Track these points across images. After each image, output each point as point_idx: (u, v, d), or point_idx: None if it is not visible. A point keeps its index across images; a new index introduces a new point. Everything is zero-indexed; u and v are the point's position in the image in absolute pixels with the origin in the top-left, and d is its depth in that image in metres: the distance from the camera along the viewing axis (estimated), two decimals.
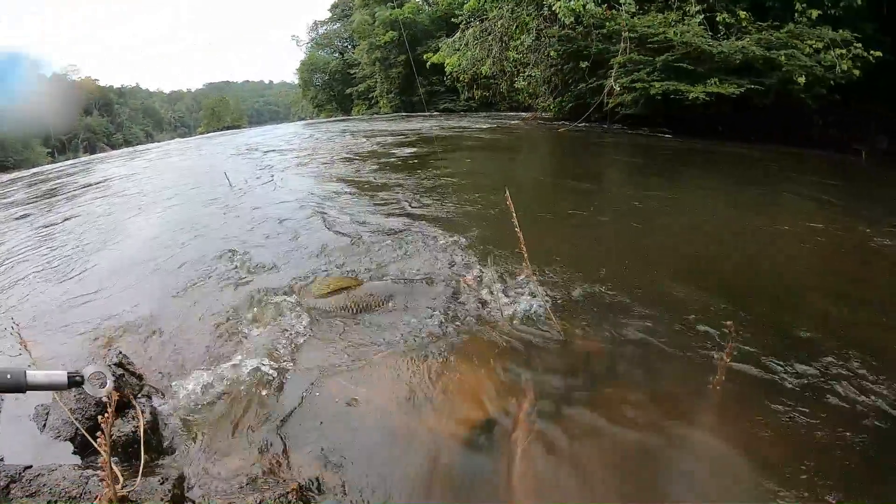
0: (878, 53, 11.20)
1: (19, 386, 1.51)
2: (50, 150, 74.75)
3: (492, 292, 3.48)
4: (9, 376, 1.51)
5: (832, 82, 11.34)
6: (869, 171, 9.13)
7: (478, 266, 3.93)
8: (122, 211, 7.69)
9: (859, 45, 11.37)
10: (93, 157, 33.17)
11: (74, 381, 1.57)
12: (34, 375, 1.53)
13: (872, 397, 2.26)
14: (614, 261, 4.03)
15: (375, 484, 1.99)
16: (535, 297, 3.31)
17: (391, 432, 2.27)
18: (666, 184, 7.11)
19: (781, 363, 2.52)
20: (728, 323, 2.21)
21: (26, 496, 1.69)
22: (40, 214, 8.29)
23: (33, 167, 29.67)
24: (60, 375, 1.56)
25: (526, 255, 2.98)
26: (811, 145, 11.67)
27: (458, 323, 3.14)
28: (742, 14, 12.62)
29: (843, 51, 11.30)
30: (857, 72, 11.21)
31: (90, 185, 12.15)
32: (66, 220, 7.53)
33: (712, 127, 12.99)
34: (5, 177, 19.43)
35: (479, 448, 2.17)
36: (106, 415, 1.53)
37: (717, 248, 4.36)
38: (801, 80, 11.03)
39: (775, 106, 11.97)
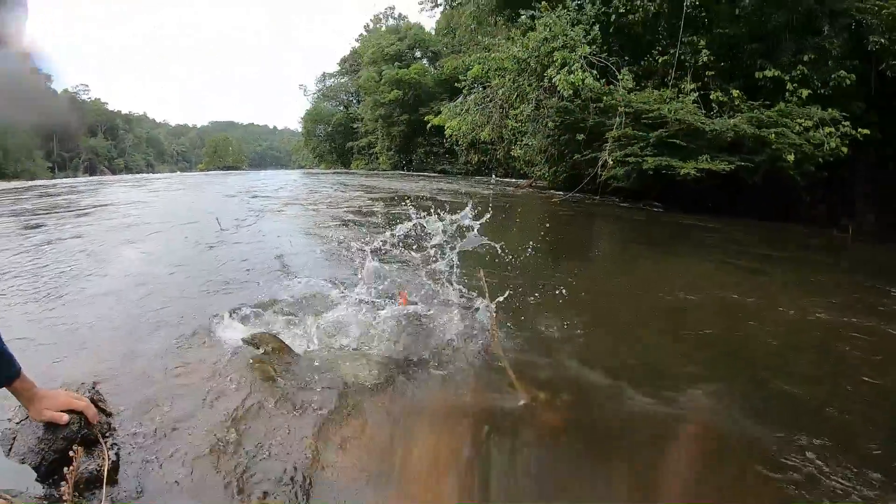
0: (867, 131, 11.62)
1: None
2: (51, 165, 75.10)
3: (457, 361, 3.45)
4: None
5: (820, 160, 11.70)
6: (853, 248, 9.25)
7: (445, 331, 3.90)
8: (113, 239, 7.63)
9: (847, 123, 11.80)
10: (91, 178, 33.28)
11: None
12: None
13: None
14: (590, 330, 4.00)
15: None
16: (501, 365, 3.28)
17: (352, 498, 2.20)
18: (653, 257, 7.15)
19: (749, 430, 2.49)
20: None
21: None
22: (32, 230, 8.23)
23: (32, 179, 29.68)
24: None
25: (495, 333, 2.96)
26: (799, 221, 11.90)
27: (417, 391, 3.10)
28: (735, 93, 13.08)
29: (832, 129, 11.73)
30: (844, 149, 11.64)
31: (89, 207, 12.11)
32: (59, 239, 7.45)
33: (702, 202, 13.16)
34: (4, 185, 19.37)
35: None
36: (72, 467, 1.70)
37: (699, 323, 4.34)
38: (791, 157, 11.38)
39: (764, 182, 12.25)
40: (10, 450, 2.23)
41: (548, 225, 11.70)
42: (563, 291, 4.75)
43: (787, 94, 12.32)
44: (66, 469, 1.60)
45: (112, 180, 25.60)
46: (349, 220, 9.21)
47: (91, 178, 35.05)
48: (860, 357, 3.68)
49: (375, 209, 11.06)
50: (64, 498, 1.58)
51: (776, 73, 12.47)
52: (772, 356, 3.66)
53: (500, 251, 4.03)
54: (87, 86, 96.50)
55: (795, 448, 2.41)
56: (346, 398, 2.91)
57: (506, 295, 4.23)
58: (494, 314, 3.23)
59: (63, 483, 1.61)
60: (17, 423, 2.33)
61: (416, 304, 4.39)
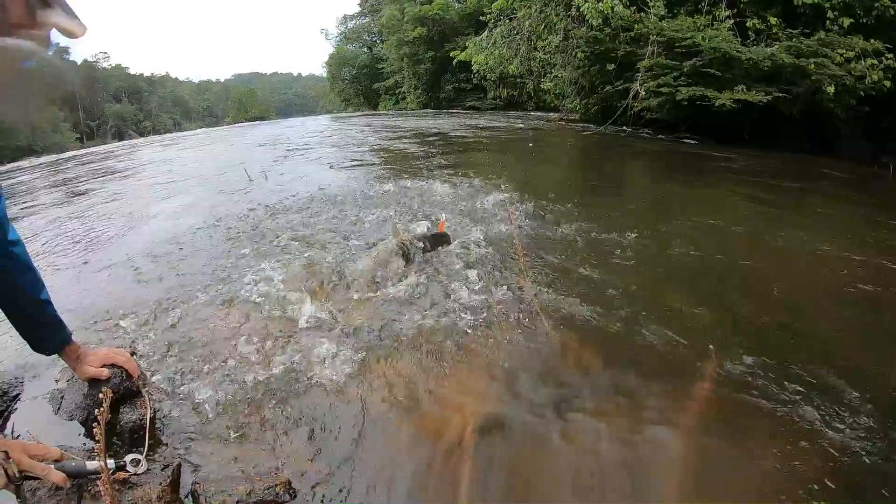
0: None
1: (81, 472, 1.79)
2: (79, 135, 76.02)
3: (487, 296, 3.50)
4: (73, 463, 1.81)
5: (862, 93, 11.12)
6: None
7: (475, 268, 3.96)
8: (149, 198, 7.85)
9: (891, 55, 11.16)
10: (123, 142, 33.56)
11: (119, 466, 1.83)
12: (93, 463, 1.79)
13: (860, 434, 2.23)
14: (619, 271, 4.01)
15: (360, 480, 2.05)
16: (530, 304, 3.33)
17: (380, 430, 2.32)
18: (685, 191, 7.07)
19: (772, 389, 2.50)
20: (711, 348, 2.18)
21: None
22: (68, 199, 8.46)
23: (62, 151, 30.03)
24: (110, 462, 1.78)
25: (522, 266, 2.99)
26: (839, 155, 11.49)
27: (452, 326, 3.17)
28: (773, 20, 12.42)
29: (874, 61, 11.10)
30: (887, 83, 10.99)
31: (126, 169, 12.47)
32: (102, 203, 7.71)
33: (738, 134, 12.81)
34: (35, 161, 19.70)
35: (469, 450, 2.19)
36: (101, 409, 1.71)
37: (727, 260, 4.31)
38: (831, 89, 10.84)
39: (803, 115, 11.81)
40: (59, 408, 2.43)
41: (578, 160, 11.63)
42: (592, 232, 4.80)
43: (827, 22, 11.65)
44: (96, 411, 1.72)
45: (144, 142, 25.80)
46: (376, 164, 9.32)
47: (123, 142, 35.33)
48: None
49: (408, 151, 11.10)
50: (96, 439, 1.67)
51: (816, 0, 11.84)
52: (802, 301, 3.64)
53: (528, 193, 4.01)
54: (106, 53, 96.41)
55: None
56: (376, 339, 3.06)
57: (535, 235, 4.28)
58: (522, 251, 3.25)
59: (95, 425, 1.71)
60: (66, 383, 2.53)
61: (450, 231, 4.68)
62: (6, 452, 1.66)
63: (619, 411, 2.41)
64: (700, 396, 2.46)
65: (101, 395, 1.93)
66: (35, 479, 1.72)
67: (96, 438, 1.68)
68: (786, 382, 2.52)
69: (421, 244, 4.27)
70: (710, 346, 2.85)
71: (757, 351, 2.80)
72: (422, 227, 5.01)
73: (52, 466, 1.74)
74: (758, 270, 4.14)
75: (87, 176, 11.86)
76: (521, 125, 19.55)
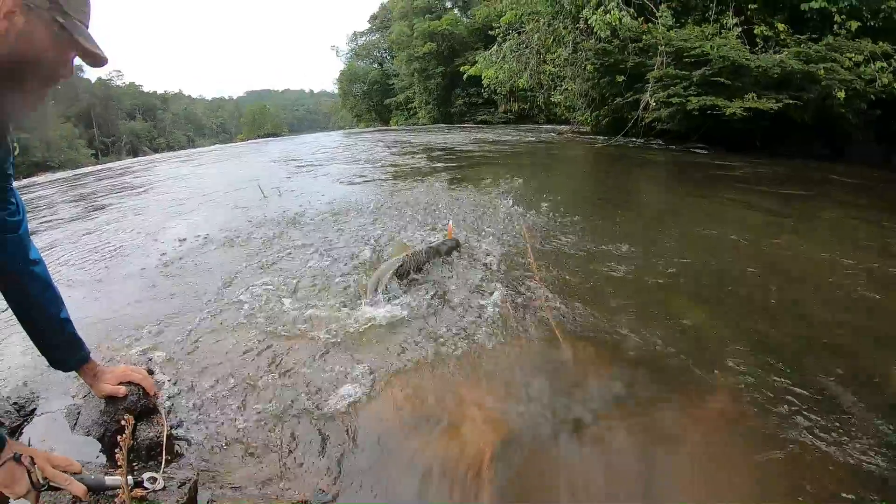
0: None
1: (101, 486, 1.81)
2: (94, 151, 77.03)
3: (500, 306, 3.52)
4: (92, 476, 1.82)
5: (872, 97, 11.02)
6: None
7: (492, 281, 3.98)
8: (165, 214, 7.95)
9: None
10: (140, 158, 34.00)
11: (137, 482, 1.84)
12: (112, 479, 1.82)
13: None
14: (638, 282, 4.00)
15: (379, 498, 2.06)
16: (544, 316, 3.34)
17: (398, 447, 2.32)
18: (696, 202, 7.04)
19: (784, 400, 2.49)
20: (723, 359, 2.16)
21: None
22: (86, 213, 8.56)
23: (77, 167, 30.30)
24: (128, 479, 1.82)
25: (538, 279, 3.00)
26: (852, 161, 11.39)
27: (466, 339, 3.18)
28: (780, 26, 12.41)
29: (884, 64, 11.01)
30: None
31: (142, 185, 12.60)
32: (118, 219, 7.82)
33: (750, 142, 12.75)
34: (51, 176, 19.95)
35: (485, 466, 2.19)
36: (124, 435, 1.81)
37: (739, 270, 4.28)
38: (841, 94, 10.77)
39: (814, 121, 11.74)
40: (75, 424, 2.42)
41: (589, 172, 11.61)
42: (604, 243, 4.81)
43: (834, 26, 11.62)
44: (119, 437, 1.79)
45: (160, 158, 26.14)
46: (387, 179, 9.34)
47: (139, 158, 35.83)
48: None
49: (419, 166, 11.13)
50: (119, 464, 1.73)
51: (822, 5, 11.67)
52: (813, 310, 3.61)
53: (544, 204, 4.01)
54: (120, 71, 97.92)
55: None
56: (391, 355, 3.06)
57: (548, 246, 4.28)
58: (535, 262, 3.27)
59: (118, 450, 1.77)
60: (82, 399, 2.55)
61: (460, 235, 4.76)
62: (32, 458, 1.69)
63: (632, 422, 2.40)
64: (712, 407, 2.45)
65: (124, 422, 2.00)
66: (56, 489, 1.74)
67: (119, 464, 1.73)
68: (798, 392, 2.51)
69: (431, 254, 4.32)
70: (723, 357, 2.84)
71: (769, 360, 2.79)
72: (432, 236, 5.06)
73: (74, 479, 1.76)
74: (769, 279, 4.11)
75: (104, 191, 12.02)
76: (532, 138, 19.61)
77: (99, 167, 24.50)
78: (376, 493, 2.07)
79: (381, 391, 2.69)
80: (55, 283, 2.11)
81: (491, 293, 3.81)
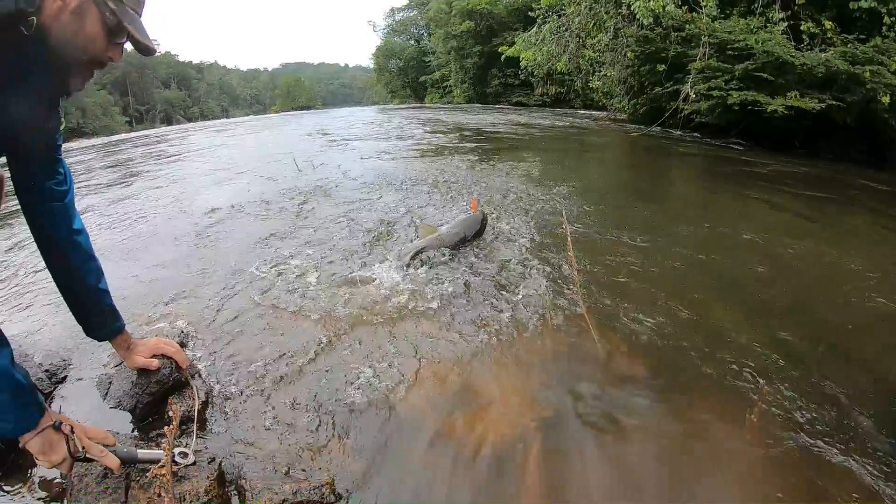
0: None
1: (133, 460, 1.88)
2: (128, 119, 78.03)
3: (535, 301, 3.53)
4: (125, 449, 1.88)
5: None
6: None
7: (527, 273, 3.98)
8: (200, 183, 8.10)
9: None
10: (176, 127, 34.27)
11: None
12: (144, 453, 1.89)
13: None
14: (666, 280, 4.01)
15: (406, 485, 2.08)
16: (578, 308, 3.36)
17: (425, 432, 2.34)
18: (734, 201, 6.96)
19: (815, 414, 2.48)
20: (762, 385, 2.14)
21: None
22: (121, 180, 8.74)
23: (111, 134, 30.62)
24: (160, 453, 1.85)
25: (577, 276, 3.00)
26: (894, 168, 11.13)
27: (499, 327, 3.20)
28: (828, 24, 12.07)
29: None
30: None
31: (179, 154, 12.79)
32: (156, 187, 7.98)
33: (789, 142, 12.51)
34: (85, 142, 20.25)
35: (512, 453, 2.23)
36: (172, 426, 1.76)
37: (776, 274, 4.24)
38: (886, 99, 10.46)
39: (856, 124, 11.46)
40: (106, 394, 2.48)
41: (627, 163, 11.52)
42: (641, 239, 4.81)
43: (883, 28, 11.29)
44: (166, 428, 1.78)
45: (196, 127, 26.34)
46: (422, 157, 9.38)
47: (173, 126, 36.24)
48: None
49: (455, 146, 11.10)
50: (164, 440, 1.78)
51: (871, 4, 11.35)
52: (849, 321, 3.56)
53: (576, 194, 3.99)
54: (156, 40, 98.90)
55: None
56: (420, 343, 3.08)
57: (582, 239, 4.28)
58: (576, 263, 3.26)
59: (167, 426, 1.79)
60: (113, 369, 2.60)
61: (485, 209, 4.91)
62: (72, 427, 1.75)
63: (661, 427, 2.42)
64: (744, 417, 2.45)
65: (170, 413, 2.06)
66: (90, 461, 1.79)
67: (165, 439, 1.76)
68: (829, 408, 2.50)
69: (459, 239, 4.37)
70: (756, 366, 2.83)
71: (802, 372, 2.80)
72: (458, 210, 5.08)
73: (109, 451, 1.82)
74: (806, 286, 4.09)
75: (140, 158, 12.22)
76: (568, 123, 19.43)
77: (134, 134, 24.75)
78: (402, 477, 2.11)
79: (409, 374, 2.73)
80: (96, 255, 2.18)
81: (522, 278, 3.85)
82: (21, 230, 5.44)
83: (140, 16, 1.77)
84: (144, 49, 1.77)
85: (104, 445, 1.82)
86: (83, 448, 1.74)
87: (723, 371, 2.79)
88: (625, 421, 2.42)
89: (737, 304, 3.74)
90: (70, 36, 1.62)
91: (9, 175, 1.99)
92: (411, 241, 4.59)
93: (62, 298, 2.15)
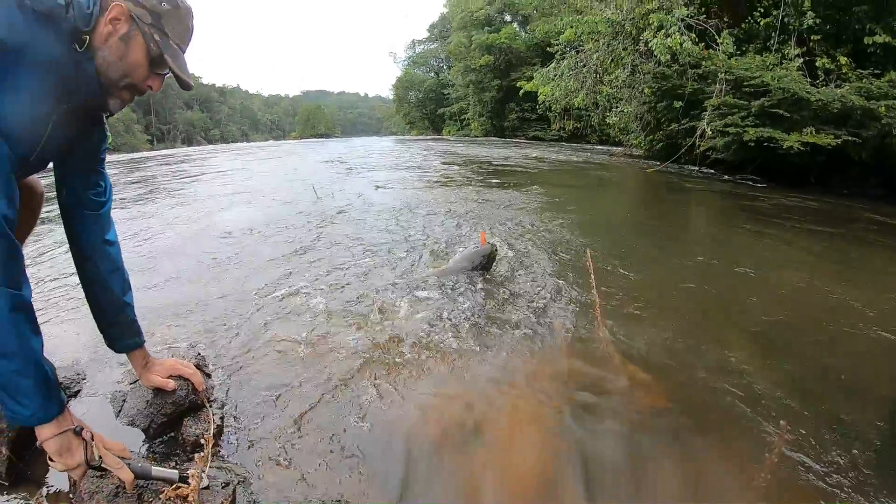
0: None
1: (146, 476, 1.87)
2: (150, 137, 79.26)
3: (559, 330, 3.53)
4: (140, 464, 1.87)
5: None
6: None
7: (551, 304, 4.00)
8: (220, 205, 8.23)
9: None
10: (199, 147, 34.85)
11: (182, 478, 1.87)
12: (158, 470, 1.89)
13: None
14: (686, 316, 3.98)
15: None
16: (602, 342, 3.35)
17: (443, 464, 2.29)
18: (748, 236, 6.93)
19: (834, 458, 2.39)
20: (782, 423, 2.05)
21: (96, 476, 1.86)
22: (136, 200, 8.86)
23: (133, 151, 31.12)
24: (174, 473, 1.89)
25: (598, 309, 3.00)
26: None
27: (517, 355, 3.20)
28: (843, 59, 12.19)
29: None
30: None
31: (202, 174, 13.12)
32: (181, 204, 8.21)
33: (805, 177, 12.48)
34: (110, 157, 20.71)
35: (533, 487, 2.21)
36: (203, 454, 1.86)
37: (794, 316, 4.18)
38: None
39: (872, 160, 11.43)
40: (119, 411, 2.43)
41: (643, 198, 11.47)
42: (660, 273, 4.80)
43: None
44: (197, 456, 1.86)
45: (218, 149, 26.93)
46: (442, 193, 9.41)
47: (194, 147, 36.92)
48: None
49: (468, 178, 11.19)
50: (199, 461, 1.79)
51: (886, 39, 11.45)
52: (866, 364, 3.49)
53: (594, 228, 3.98)
54: (195, 73, 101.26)
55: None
56: (434, 359, 3.09)
57: (602, 270, 4.30)
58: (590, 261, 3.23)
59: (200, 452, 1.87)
60: (128, 386, 2.55)
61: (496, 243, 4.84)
62: (92, 435, 1.75)
63: (673, 462, 2.37)
64: (761, 458, 2.41)
65: (203, 441, 2.09)
66: (103, 471, 1.79)
67: (201, 459, 1.82)
68: (851, 453, 2.45)
69: (469, 266, 4.45)
70: (775, 407, 2.74)
71: (821, 414, 2.71)
72: (467, 242, 5.14)
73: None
74: (822, 326, 3.98)
75: (164, 177, 12.60)
76: (584, 158, 19.54)
77: (156, 153, 25.27)
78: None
79: (426, 405, 2.68)
80: (125, 268, 2.25)
81: (540, 306, 3.87)
82: (48, 240, 5.55)
83: (184, 52, 1.89)
84: (184, 84, 1.88)
85: (120, 458, 1.83)
86: (100, 457, 1.75)
87: (745, 409, 2.68)
88: (647, 454, 2.38)
89: (750, 336, 3.69)
90: (115, 59, 1.73)
91: (52, 181, 2.09)
92: (426, 267, 4.66)
93: (82, 312, 2.21)
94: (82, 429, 1.74)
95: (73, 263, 2.17)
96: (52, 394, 1.67)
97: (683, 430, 2.59)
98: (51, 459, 1.71)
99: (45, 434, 1.66)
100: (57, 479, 2.12)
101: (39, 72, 1.59)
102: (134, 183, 11.46)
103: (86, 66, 1.70)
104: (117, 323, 2.24)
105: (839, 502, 2.12)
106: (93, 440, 1.75)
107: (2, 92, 1.52)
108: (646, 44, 15.19)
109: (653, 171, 15.14)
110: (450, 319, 3.64)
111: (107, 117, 2.00)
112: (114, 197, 2.31)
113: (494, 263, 4.68)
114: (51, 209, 2.06)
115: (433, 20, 62.55)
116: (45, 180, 2.30)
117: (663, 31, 14.49)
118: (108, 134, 2.16)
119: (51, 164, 1.99)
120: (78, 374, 2.80)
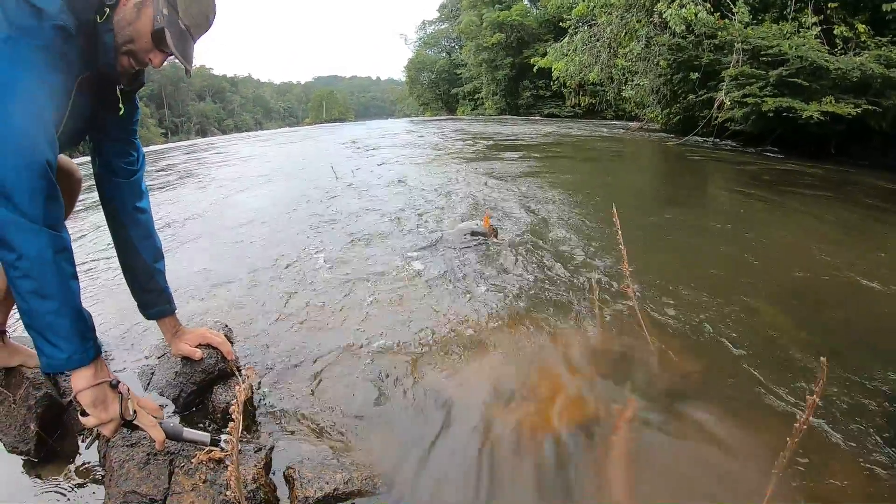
0: None
1: (178, 437, 1.92)
2: (164, 130, 79.65)
3: (588, 300, 3.56)
4: (172, 424, 1.92)
5: None
6: None
7: (578, 273, 4.04)
8: (245, 186, 8.58)
9: None
10: (203, 140, 35.18)
11: (214, 441, 1.93)
12: (190, 432, 1.93)
13: None
14: (712, 282, 3.97)
15: (448, 476, 2.07)
16: (631, 309, 3.33)
17: (473, 427, 2.32)
18: (771, 207, 6.88)
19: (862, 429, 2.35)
20: (822, 359, 2.02)
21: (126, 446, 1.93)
22: (163, 186, 9.18)
23: (148, 145, 31.43)
24: (206, 436, 1.94)
25: (627, 273, 3.01)
26: None
27: (552, 323, 3.24)
28: (861, 27, 11.95)
29: None
30: None
31: (225, 160, 13.53)
32: (210, 186, 8.63)
33: (824, 148, 12.32)
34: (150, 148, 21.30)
35: (566, 451, 2.20)
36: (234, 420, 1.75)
37: (820, 277, 4.17)
38: None
39: (892, 129, 11.20)
40: (148, 383, 2.56)
41: (659, 170, 11.42)
42: (689, 247, 4.82)
43: None
44: (232, 407, 1.91)
45: (236, 138, 27.16)
46: (457, 169, 9.49)
47: (209, 138, 37.29)
48: None
49: (484, 155, 11.16)
50: (231, 423, 1.71)
51: None
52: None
53: (617, 201, 3.98)
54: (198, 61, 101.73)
55: None
56: (465, 333, 3.14)
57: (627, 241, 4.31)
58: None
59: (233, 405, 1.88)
60: (156, 360, 2.68)
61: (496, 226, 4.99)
62: (128, 389, 1.80)
63: (714, 432, 2.34)
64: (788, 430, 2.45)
65: (232, 403, 2.07)
66: (135, 429, 1.81)
67: (232, 421, 1.74)
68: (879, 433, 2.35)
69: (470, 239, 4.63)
70: (804, 380, 2.68)
71: (853, 385, 2.66)
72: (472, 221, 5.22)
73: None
74: (850, 294, 3.94)
75: (187, 164, 13.07)
76: (601, 133, 19.34)
77: (174, 144, 25.66)
78: (448, 471, 2.10)
79: (456, 370, 2.75)
80: (157, 235, 2.36)
81: (569, 277, 3.92)
82: (84, 223, 5.72)
83: (193, 39, 1.96)
84: (185, 68, 1.97)
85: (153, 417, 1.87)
86: (134, 412, 1.77)
87: (778, 381, 2.65)
88: (676, 423, 2.38)
89: (782, 306, 3.68)
90: (124, 24, 1.81)
91: (89, 158, 2.22)
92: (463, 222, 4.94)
93: (108, 295, 2.29)
94: (119, 382, 1.77)
95: (109, 232, 2.28)
96: (90, 336, 1.69)
97: (714, 393, 2.60)
98: (83, 415, 1.72)
99: (81, 383, 1.66)
100: (86, 455, 2.20)
101: (67, 45, 1.66)
102: (160, 171, 11.82)
103: (104, 37, 1.78)
104: (149, 290, 2.34)
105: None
106: (129, 394, 1.79)
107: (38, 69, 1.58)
108: (660, 15, 14.97)
109: (671, 144, 15.00)
110: (477, 289, 3.74)
111: (121, 90, 2.03)
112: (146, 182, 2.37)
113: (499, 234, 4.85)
114: (85, 197, 2.13)
115: (443, 0, 61.72)
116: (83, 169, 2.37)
117: (677, 1, 14.25)
118: (139, 105, 2.27)
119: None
120: (106, 353, 2.88)
